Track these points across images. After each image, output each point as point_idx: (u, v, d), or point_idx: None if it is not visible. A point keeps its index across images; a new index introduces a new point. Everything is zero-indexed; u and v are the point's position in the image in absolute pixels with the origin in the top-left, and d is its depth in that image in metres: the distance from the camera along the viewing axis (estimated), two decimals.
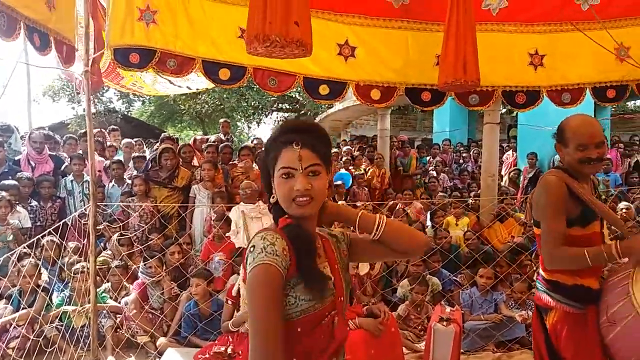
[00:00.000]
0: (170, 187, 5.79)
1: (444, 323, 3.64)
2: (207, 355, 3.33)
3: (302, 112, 17.81)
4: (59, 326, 4.01)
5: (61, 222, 4.08)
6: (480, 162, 7.61)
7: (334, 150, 10.41)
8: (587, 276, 2.25)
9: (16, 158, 6.04)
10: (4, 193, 4.85)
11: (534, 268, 4.58)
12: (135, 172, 6.13)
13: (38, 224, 5.36)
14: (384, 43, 3.67)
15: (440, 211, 6.50)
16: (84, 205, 5.02)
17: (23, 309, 4.02)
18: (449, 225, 6.32)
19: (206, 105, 15.90)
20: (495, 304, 4.36)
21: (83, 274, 3.97)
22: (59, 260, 4.26)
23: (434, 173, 8.95)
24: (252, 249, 1.32)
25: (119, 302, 4.35)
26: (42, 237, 4.02)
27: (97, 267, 3.81)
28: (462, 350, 3.78)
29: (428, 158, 10.21)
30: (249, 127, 21.98)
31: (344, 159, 8.94)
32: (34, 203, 5.40)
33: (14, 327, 3.89)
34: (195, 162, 6.76)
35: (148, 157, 6.63)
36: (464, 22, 3.06)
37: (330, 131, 16.53)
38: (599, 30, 3.58)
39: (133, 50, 3.48)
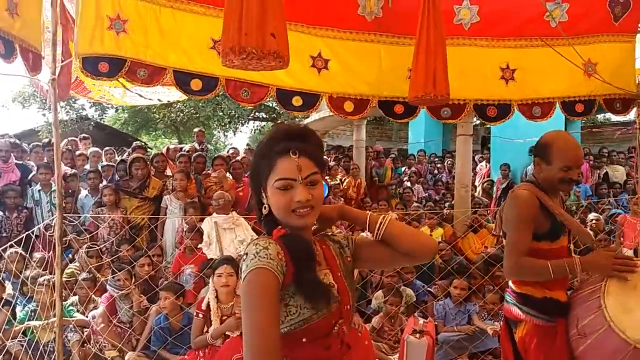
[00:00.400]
0: (140, 198, 5.71)
1: (417, 335, 3.65)
2: None
3: (279, 121, 17.80)
4: (22, 341, 3.87)
5: (25, 234, 3.96)
6: (454, 173, 7.70)
7: None
8: (555, 289, 2.28)
9: None
10: None
11: (506, 279, 4.62)
12: (104, 182, 6.02)
13: (3, 234, 5.21)
14: (357, 56, 3.68)
15: (414, 222, 6.53)
16: (52, 216, 4.90)
17: None
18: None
19: (181, 114, 15.72)
20: (468, 315, 4.39)
21: (48, 287, 3.85)
22: (22, 273, 4.13)
23: (409, 184, 9.01)
24: (245, 256, 1.29)
25: (87, 316, 4.23)
26: (4, 249, 3.89)
27: (65, 279, 3.70)
28: None
29: (403, 168, 10.28)
30: (226, 136, 21.85)
31: None
32: None
33: None
34: (168, 171, 6.66)
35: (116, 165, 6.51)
36: (434, 37, 3.09)
37: None
38: (567, 46, 3.66)
39: (102, 59, 3.40)
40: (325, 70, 3.67)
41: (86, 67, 3.40)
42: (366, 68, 3.72)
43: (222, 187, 5.90)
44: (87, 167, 6.88)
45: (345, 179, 8.87)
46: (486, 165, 10.13)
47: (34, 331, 3.94)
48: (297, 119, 14.81)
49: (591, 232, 6.00)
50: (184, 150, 7.42)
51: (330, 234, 1.58)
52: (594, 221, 6.41)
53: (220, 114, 15.71)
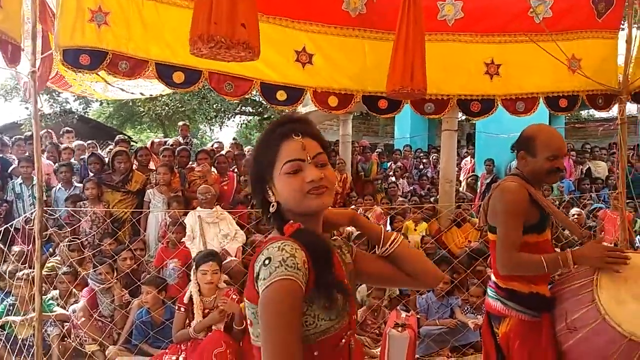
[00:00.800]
0: (123, 191, 5.66)
1: (399, 329, 3.67)
2: None
3: (266, 116, 17.72)
4: (0, 336, 3.83)
5: (4, 227, 3.90)
6: (439, 168, 7.74)
7: None
8: (540, 283, 2.30)
9: None
10: None
11: (488, 273, 4.67)
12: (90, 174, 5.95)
13: None
14: (341, 51, 3.67)
15: (399, 216, 6.57)
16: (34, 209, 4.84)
17: None
18: (408, 230, 6.39)
19: (166, 107, 15.58)
20: (451, 309, 4.43)
21: (27, 281, 3.81)
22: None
23: (394, 178, 9.04)
24: (267, 261, 1.15)
25: (67, 310, 4.19)
26: None
27: (45, 273, 3.66)
28: (417, 356, 3.81)
29: (389, 163, 10.31)
30: (211, 130, 21.71)
31: None
32: None
33: None
34: (152, 165, 6.61)
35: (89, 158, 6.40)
36: (413, 32, 3.09)
37: None
38: (551, 42, 3.68)
39: (83, 52, 3.35)
40: (309, 65, 3.65)
41: (67, 59, 3.35)
42: (350, 63, 3.71)
43: (206, 181, 5.88)
44: (73, 160, 6.79)
45: None
46: (471, 160, 10.20)
47: (12, 326, 3.89)
48: (283, 114, 14.77)
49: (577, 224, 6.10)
50: (168, 144, 7.35)
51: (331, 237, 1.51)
52: (575, 216, 6.50)
53: (206, 107, 15.58)
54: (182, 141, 8.39)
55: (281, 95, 3.64)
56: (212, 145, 8.83)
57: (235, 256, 5.18)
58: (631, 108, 5.62)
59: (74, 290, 4.38)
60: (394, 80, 3.15)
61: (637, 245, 5.86)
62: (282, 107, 3.71)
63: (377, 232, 1.48)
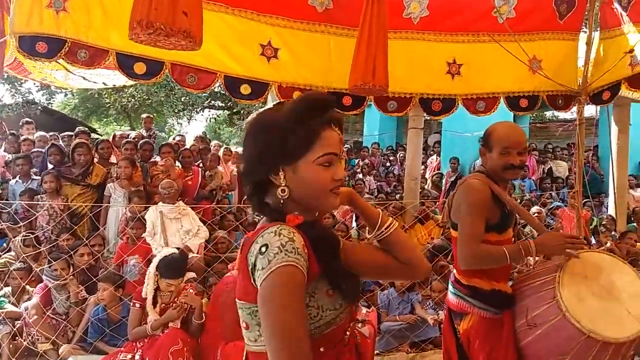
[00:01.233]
0: (83, 185, 5.48)
1: (359, 325, 3.66)
2: None
3: (235, 110, 17.53)
4: None
5: None
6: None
7: None
8: (502, 280, 2.31)
9: None
10: None
11: (450, 269, 4.73)
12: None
13: None
14: (307, 46, 3.64)
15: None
16: None
17: None
18: None
19: (133, 100, 15.26)
20: (411, 305, 4.45)
21: None
22: None
23: (361, 175, 9.08)
24: (263, 249, 1.07)
25: (19, 307, 4.04)
26: None
27: None
28: (376, 352, 3.82)
29: (356, 160, 10.35)
30: (179, 124, 21.37)
31: None
32: None
33: None
34: (113, 159, 6.44)
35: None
36: (376, 28, 3.09)
37: None
38: (514, 42, 3.74)
39: (40, 39, 3.24)
40: (274, 59, 3.61)
41: (22, 46, 3.23)
42: (316, 58, 3.69)
43: (169, 176, 5.75)
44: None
45: None
46: (437, 158, 10.33)
47: None
48: (254, 108, 14.64)
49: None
50: (131, 137, 7.18)
51: None
52: (535, 214, 6.64)
53: (174, 100, 15.32)
54: (145, 134, 8.22)
55: (245, 89, 3.60)
56: (174, 139, 8.67)
57: (198, 252, 5.10)
58: (592, 110, 5.76)
59: (27, 287, 4.23)
60: (356, 76, 3.14)
61: (592, 243, 6.03)
62: (246, 101, 3.67)
63: (374, 213, 1.41)
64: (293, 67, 3.66)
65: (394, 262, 1.38)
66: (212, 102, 17.92)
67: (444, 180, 9.13)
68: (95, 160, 5.96)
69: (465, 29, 3.81)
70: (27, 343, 3.78)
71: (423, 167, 10.19)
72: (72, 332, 3.98)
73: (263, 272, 1.06)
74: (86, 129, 6.82)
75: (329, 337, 1.16)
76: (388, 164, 10.90)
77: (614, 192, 6.21)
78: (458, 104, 3.93)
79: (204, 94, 15.09)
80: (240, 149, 9.42)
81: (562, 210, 6.51)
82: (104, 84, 6.70)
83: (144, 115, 9.21)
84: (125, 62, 3.42)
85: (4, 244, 5.01)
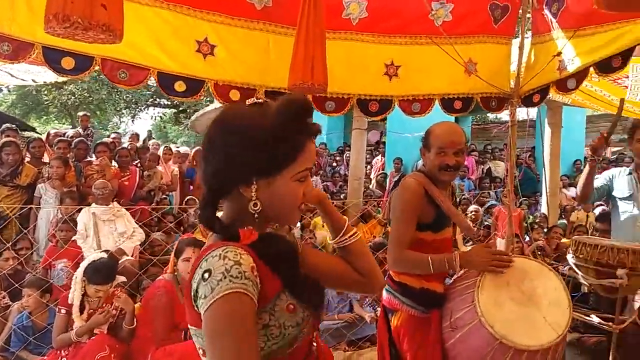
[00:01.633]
0: (11, 185, 5.21)
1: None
2: None
3: (182, 108, 17.17)
4: None
5: None
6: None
7: None
8: (433, 280, 2.31)
9: None
10: None
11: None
12: None
13: None
14: (244, 44, 3.56)
15: (308, 212, 6.58)
16: None
17: None
18: (316, 226, 6.41)
19: (73, 97, 14.65)
20: (350, 303, 4.48)
21: None
22: None
23: None
24: (206, 275, 0.97)
25: None
26: None
27: None
28: None
29: None
30: (123, 122, 20.70)
31: None
32: None
33: None
34: (46, 158, 6.15)
35: None
36: (313, 27, 3.06)
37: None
38: (450, 45, 3.81)
39: None
40: (211, 56, 3.51)
41: None
42: (254, 56, 3.61)
43: (105, 176, 5.55)
44: None
45: None
46: (381, 158, 10.48)
47: None
48: (200, 106, 14.36)
49: (471, 224, 6.42)
50: (68, 136, 6.88)
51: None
52: (473, 212, 6.87)
53: (116, 98, 14.83)
54: (82, 133, 7.90)
55: (180, 86, 3.47)
56: (108, 137, 8.39)
57: (132, 255, 4.94)
58: (532, 112, 5.99)
59: None
60: (295, 75, 3.10)
61: (527, 240, 6.27)
62: (181, 98, 3.55)
63: (340, 220, 1.37)
64: (230, 65, 3.56)
65: (352, 273, 1.34)
66: (157, 100, 17.47)
67: (387, 180, 9.26)
68: (27, 159, 5.68)
69: (403, 31, 3.83)
70: None
71: (369, 167, 10.32)
72: None
73: (206, 301, 0.96)
74: (13, 125, 6.44)
75: (294, 355, 1.09)
76: (335, 164, 10.96)
77: (546, 192, 6.48)
78: (394, 105, 3.96)
79: (147, 92, 14.67)
80: (183, 149, 9.21)
81: (497, 209, 6.73)
82: (34, 80, 6.38)
83: (80, 114, 8.87)
84: (52, 57, 3.23)
85: None
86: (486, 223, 6.92)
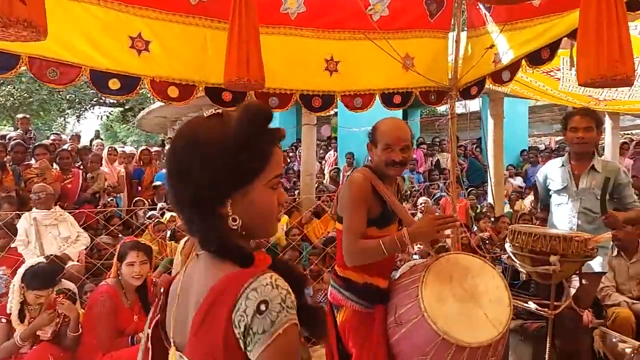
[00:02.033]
0: None
1: None
2: None
3: (128, 107, 16.72)
4: None
5: None
6: None
7: (156, 149, 9.91)
8: (376, 275, 2.32)
9: None
10: None
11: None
12: None
13: None
14: (181, 39, 3.49)
15: None
16: None
17: None
18: None
19: (12, 98, 14.02)
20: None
21: None
22: None
23: None
24: (262, 306, 0.90)
25: None
26: None
27: None
28: None
29: None
30: (68, 123, 19.98)
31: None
32: None
33: None
34: None
35: None
36: (246, 22, 3.03)
37: (156, 128, 15.78)
38: (387, 40, 3.86)
39: None
40: (146, 52, 3.43)
41: None
42: (191, 52, 3.55)
43: (45, 179, 5.35)
44: None
45: None
46: (334, 153, 10.53)
47: None
48: (146, 103, 14.03)
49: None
50: (8, 138, 6.59)
51: None
52: (423, 204, 7.00)
53: (58, 98, 14.28)
54: (24, 135, 7.58)
55: (114, 84, 3.38)
56: (48, 138, 8.09)
57: (78, 260, 4.79)
58: (475, 104, 6.14)
59: None
60: (231, 71, 3.06)
61: (474, 229, 6.44)
62: (116, 96, 3.45)
63: None
64: (166, 61, 3.49)
65: None
66: (102, 99, 16.96)
67: (341, 175, 9.33)
68: None
69: (341, 26, 3.85)
70: None
71: (322, 162, 10.35)
72: None
73: (266, 336, 0.89)
74: None
75: None
76: (288, 160, 10.93)
77: (490, 181, 6.67)
78: (337, 101, 3.99)
79: (91, 91, 14.21)
80: (128, 149, 8.99)
81: (444, 200, 6.89)
82: None
83: (19, 116, 8.48)
84: None
85: None
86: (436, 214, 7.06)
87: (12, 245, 4.53)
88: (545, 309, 3.12)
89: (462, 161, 9.61)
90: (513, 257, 3.20)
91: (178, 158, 1.02)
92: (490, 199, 7.48)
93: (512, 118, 9.43)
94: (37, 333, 3.29)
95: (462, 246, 5.16)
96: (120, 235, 5.51)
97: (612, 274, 4.16)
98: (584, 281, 3.33)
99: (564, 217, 3.44)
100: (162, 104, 10.14)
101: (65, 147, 6.77)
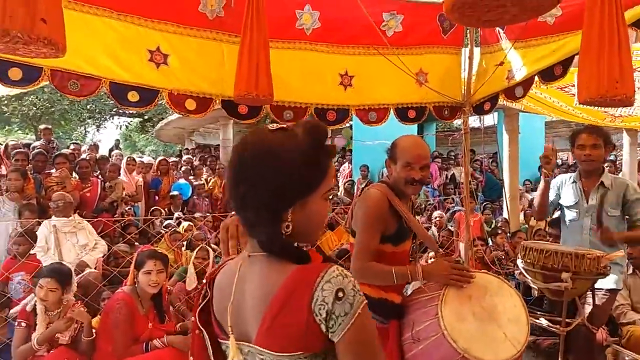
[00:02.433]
0: None
1: None
2: None
3: (147, 117, 16.98)
4: None
5: None
6: None
7: (173, 159, 10.06)
8: (391, 291, 2.32)
9: None
10: None
11: None
12: None
13: None
14: (198, 53, 3.57)
15: None
16: None
17: None
18: None
19: (34, 108, 14.33)
20: None
21: None
22: None
23: None
24: (340, 294, 1.04)
25: None
26: None
27: None
28: None
29: None
30: (86, 132, 20.32)
31: (183, 168, 8.71)
32: None
33: None
34: (3, 170, 6.03)
35: None
36: (257, 38, 3.10)
37: (174, 139, 15.99)
38: (400, 55, 3.90)
39: None
40: (164, 66, 3.51)
41: None
42: (208, 66, 3.63)
43: (65, 188, 5.47)
44: None
45: (211, 179, 8.73)
46: (349, 166, 10.57)
47: None
48: (165, 115, 14.25)
49: (435, 233, 6.53)
50: (22, 148, 6.75)
51: None
52: (437, 218, 6.98)
53: (79, 108, 14.56)
54: (46, 145, 7.77)
55: (133, 96, 3.46)
56: (69, 147, 8.26)
57: (96, 268, 4.88)
58: (491, 119, 6.14)
59: None
60: (240, 86, 3.13)
61: (490, 244, 6.40)
62: (135, 108, 3.54)
63: None
64: (184, 74, 3.57)
65: None
66: (122, 109, 17.26)
67: (355, 187, 9.35)
68: None
69: (355, 42, 3.90)
70: None
71: (337, 174, 10.40)
72: None
73: (348, 317, 1.05)
74: None
75: None
76: None
77: (505, 196, 6.64)
78: (352, 115, 4.04)
79: (110, 101, 14.49)
80: (147, 159, 9.15)
81: (458, 214, 6.85)
82: None
83: (42, 127, 8.70)
84: None
85: None
86: (450, 228, 7.03)
87: (32, 252, 4.62)
88: (557, 326, 3.10)
89: (478, 175, 9.57)
90: (525, 273, 3.19)
91: (249, 166, 1.12)
92: (505, 214, 7.44)
93: (528, 133, 9.37)
94: (56, 337, 3.37)
95: (476, 260, 5.15)
96: (137, 243, 5.61)
97: (627, 292, 4.12)
98: (597, 298, 3.30)
99: (576, 233, 3.45)
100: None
101: (84, 156, 6.91)
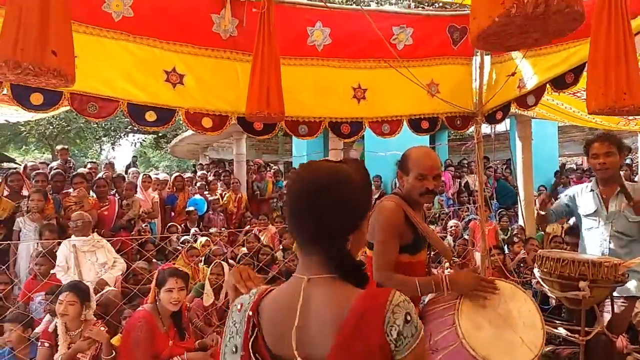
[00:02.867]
0: None
1: None
2: None
3: (161, 134, 17.17)
4: None
5: None
6: None
7: (188, 175, 10.16)
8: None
9: None
10: None
11: None
12: None
13: None
14: (213, 73, 3.65)
15: (287, 233, 6.63)
16: None
17: None
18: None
19: (50, 127, 14.58)
20: None
21: None
22: None
23: None
24: (408, 317, 1.15)
25: None
26: None
27: None
28: None
29: (284, 182, 10.40)
30: (102, 149, 20.59)
31: (198, 184, 8.79)
32: None
33: None
34: (25, 191, 6.15)
35: None
36: (268, 57, 3.17)
37: (188, 154, 16.17)
38: (412, 67, 3.94)
39: None
40: (180, 85, 3.59)
41: None
42: (223, 85, 3.70)
43: (83, 207, 5.56)
44: None
45: (225, 194, 8.80)
46: None
47: None
48: (179, 131, 14.43)
49: (451, 242, 6.50)
50: (41, 168, 6.88)
51: None
52: (453, 227, 6.95)
53: (94, 126, 14.78)
54: (63, 165, 7.90)
55: (150, 116, 3.54)
56: (85, 167, 8.39)
57: (115, 286, 4.93)
58: (499, 126, 6.12)
59: None
60: (252, 104, 3.20)
61: (506, 252, 6.35)
62: (152, 127, 3.61)
63: None
64: (199, 94, 3.64)
65: None
66: (136, 126, 17.50)
67: None
68: (6, 193, 5.67)
69: (367, 56, 3.96)
70: None
71: None
72: None
73: (414, 338, 1.15)
74: (15, 158, 6.46)
75: None
76: None
77: (520, 203, 6.61)
78: (365, 127, 4.08)
79: (125, 119, 14.70)
80: (162, 175, 9.25)
81: (473, 223, 6.83)
82: (7, 121, 6.39)
83: (58, 147, 8.85)
84: (21, 94, 3.28)
85: None
86: (465, 237, 7.00)
87: (52, 272, 4.70)
88: (576, 335, 3.08)
89: (490, 183, 9.53)
90: (542, 283, 3.18)
91: (318, 198, 1.20)
92: (521, 221, 7.39)
93: (541, 139, 9.35)
94: (77, 356, 3.42)
95: (494, 269, 5.13)
96: (154, 260, 5.67)
97: None
98: (616, 306, 3.27)
99: (595, 241, 3.41)
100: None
101: (101, 175, 7.01)
